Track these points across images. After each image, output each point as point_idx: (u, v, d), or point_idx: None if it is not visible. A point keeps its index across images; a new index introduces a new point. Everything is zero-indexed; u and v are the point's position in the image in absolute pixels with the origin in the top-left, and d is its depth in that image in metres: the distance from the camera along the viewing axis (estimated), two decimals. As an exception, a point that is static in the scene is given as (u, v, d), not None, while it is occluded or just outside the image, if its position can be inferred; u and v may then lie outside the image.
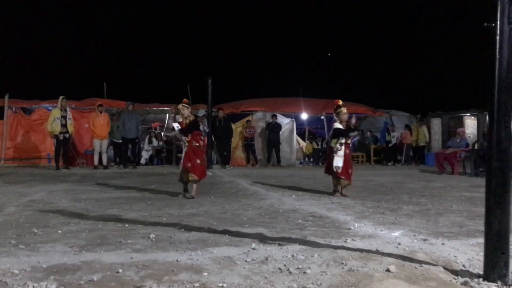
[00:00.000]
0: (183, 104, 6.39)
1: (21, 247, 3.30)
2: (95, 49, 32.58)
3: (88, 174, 10.51)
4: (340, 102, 6.88)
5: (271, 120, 14.82)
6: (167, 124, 5.54)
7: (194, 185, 6.27)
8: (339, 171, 6.53)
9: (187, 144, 6.31)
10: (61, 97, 11.48)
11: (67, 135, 11.48)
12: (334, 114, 6.93)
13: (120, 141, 12.83)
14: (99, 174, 10.39)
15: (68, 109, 11.68)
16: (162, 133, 15.39)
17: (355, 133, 7.08)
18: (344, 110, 6.74)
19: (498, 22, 2.51)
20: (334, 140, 6.68)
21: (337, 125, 6.74)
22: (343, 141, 6.62)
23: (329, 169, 6.70)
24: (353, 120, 7.12)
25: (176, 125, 6.29)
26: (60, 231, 3.87)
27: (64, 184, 8.03)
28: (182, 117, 6.38)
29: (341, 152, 6.57)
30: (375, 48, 36.07)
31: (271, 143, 14.71)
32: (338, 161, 6.56)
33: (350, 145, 6.99)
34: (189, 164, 6.20)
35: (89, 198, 6.10)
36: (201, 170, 6.36)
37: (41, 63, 28.94)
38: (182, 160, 6.44)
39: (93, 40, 32.24)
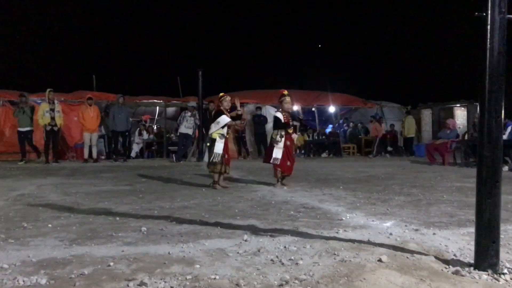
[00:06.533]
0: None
1: (10, 241, 3.27)
2: (84, 41, 32.25)
3: (78, 167, 10.42)
4: (285, 92, 6.75)
5: (255, 112, 14.67)
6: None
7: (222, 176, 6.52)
8: (277, 163, 6.51)
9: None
10: (48, 90, 11.37)
11: (55, 128, 11.37)
12: (279, 103, 6.84)
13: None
14: (89, 168, 10.32)
15: (56, 101, 11.56)
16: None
17: (293, 125, 6.76)
18: (287, 99, 6.63)
19: (489, 12, 2.49)
20: (275, 132, 6.63)
21: (278, 114, 6.66)
22: (283, 132, 6.57)
23: (268, 159, 6.65)
24: (299, 111, 7.08)
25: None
26: (50, 225, 3.84)
27: (54, 178, 7.95)
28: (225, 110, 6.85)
29: (281, 144, 6.52)
30: (366, 40, 36.13)
31: (258, 136, 14.60)
32: (277, 153, 6.51)
33: (297, 136, 6.93)
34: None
35: (79, 192, 6.05)
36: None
37: (29, 55, 28.59)
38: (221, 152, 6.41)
39: (82, 31, 31.89)
